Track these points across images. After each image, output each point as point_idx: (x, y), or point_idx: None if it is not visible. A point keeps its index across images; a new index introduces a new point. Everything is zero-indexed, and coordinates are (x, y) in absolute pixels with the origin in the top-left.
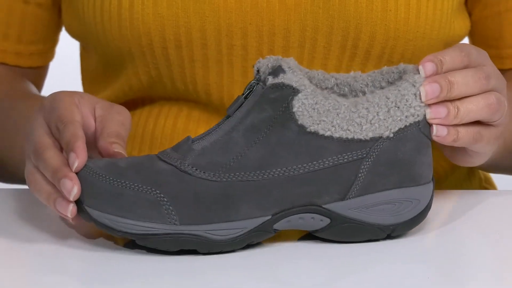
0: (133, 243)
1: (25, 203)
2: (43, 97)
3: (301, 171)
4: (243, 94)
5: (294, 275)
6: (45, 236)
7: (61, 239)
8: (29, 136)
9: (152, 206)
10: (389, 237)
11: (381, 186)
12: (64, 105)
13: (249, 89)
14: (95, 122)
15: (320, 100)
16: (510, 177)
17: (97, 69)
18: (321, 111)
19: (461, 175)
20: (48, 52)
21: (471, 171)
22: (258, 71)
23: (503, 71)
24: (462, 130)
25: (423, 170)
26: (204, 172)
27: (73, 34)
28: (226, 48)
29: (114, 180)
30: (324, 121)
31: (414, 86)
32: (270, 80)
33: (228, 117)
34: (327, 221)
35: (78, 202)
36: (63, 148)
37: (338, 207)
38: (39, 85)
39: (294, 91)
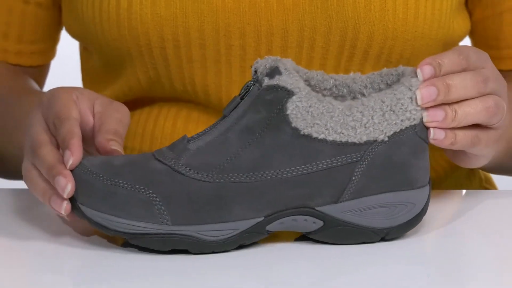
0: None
1: (25, 203)
2: (44, 93)
3: (294, 173)
4: (239, 95)
5: (287, 275)
6: (45, 235)
7: (60, 239)
8: (27, 132)
9: (145, 205)
10: (383, 240)
11: (376, 190)
12: (61, 101)
13: (246, 89)
14: (93, 118)
15: (314, 103)
16: (511, 177)
17: (97, 69)
18: (315, 114)
19: (461, 175)
20: (49, 51)
21: (471, 171)
22: (255, 71)
23: (503, 71)
24: (460, 133)
25: (419, 174)
26: (197, 173)
27: (73, 34)
28: (224, 48)
29: (108, 179)
30: (317, 124)
31: (410, 90)
32: (266, 82)
33: (224, 117)
34: (320, 223)
35: (72, 200)
36: (59, 145)
37: (331, 209)
38: (40, 83)
39: (289, 94)
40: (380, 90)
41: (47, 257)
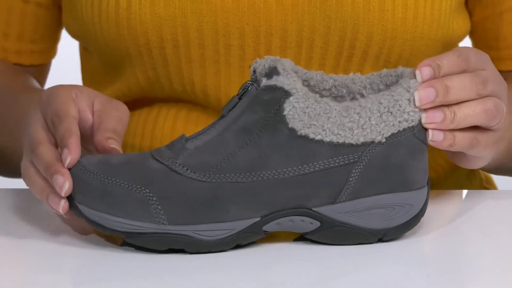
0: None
1: (24, 202)
2: (44, 91)
3: (291, 174)
4: (237, 94)
5: (285, 276)
6: (44, 235)
7: (59, 238)
8: (26, 130)
9: (141, 205)
10: (380, 241)
11: (373, 191)
12: (60, 99)
13: (244, 89)
14: (92, 116)
15: (311, 104)
16: (511, 177)
17: (97, 69)
18: (312, 115)
19: (461, 175)
20: (49, 50)
21: (472, 171)
22: (254, 71)
23: (503, 72)
24: (459, 135)
25: (417, 175)
26: (194, 172)
27: (73, 34)
28: (223, 48)
29: (105, 178)
30: (314, 125)
31: (408, 91)
32: (264, 82)
33: (222, 116)
34: (317, 224)
35: (70, 198)
36: (58, 143)
37: (328, 210)
38: (41, 82)
39: (286, 94)
40: (379, 91)
41: (46, 256)
